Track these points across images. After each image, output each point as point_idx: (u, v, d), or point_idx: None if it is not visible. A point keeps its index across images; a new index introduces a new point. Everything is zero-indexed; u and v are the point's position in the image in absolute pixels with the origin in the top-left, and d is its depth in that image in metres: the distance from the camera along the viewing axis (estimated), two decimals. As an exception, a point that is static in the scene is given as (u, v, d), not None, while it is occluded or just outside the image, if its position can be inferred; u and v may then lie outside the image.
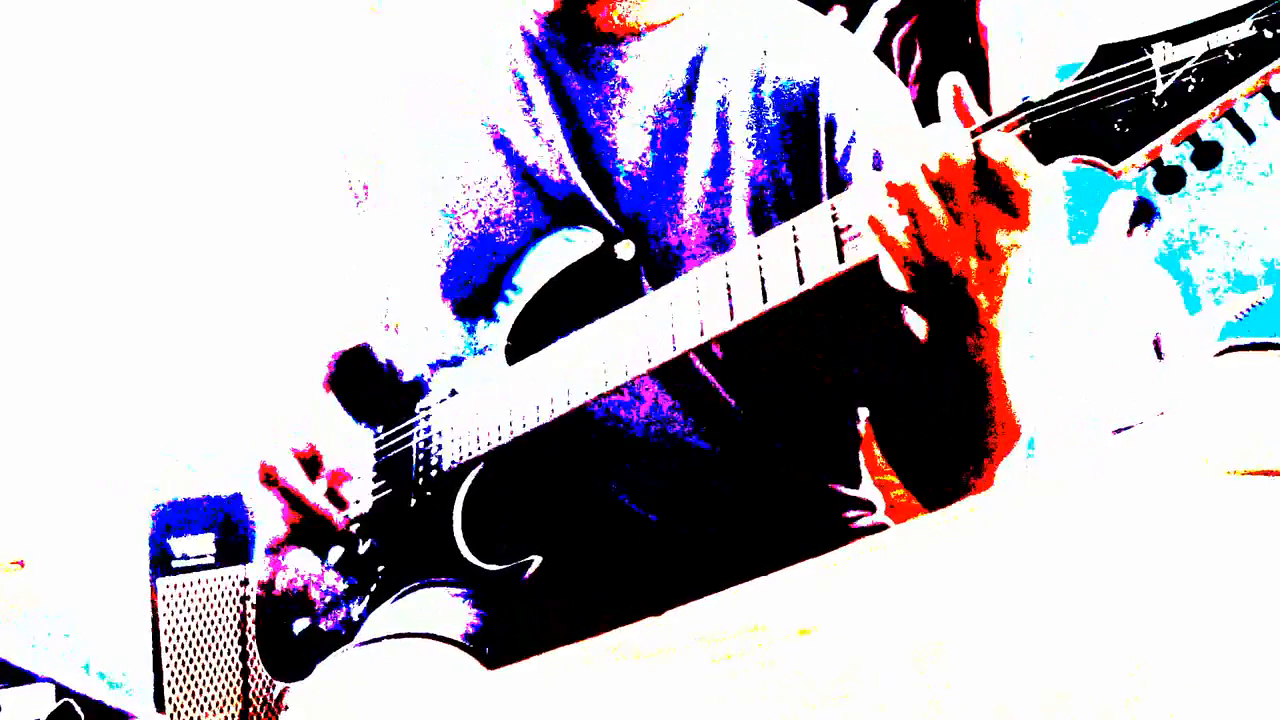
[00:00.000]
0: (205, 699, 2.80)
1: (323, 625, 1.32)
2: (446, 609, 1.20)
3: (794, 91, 1.19)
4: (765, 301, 1.04)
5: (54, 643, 2.75)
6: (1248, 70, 0.86)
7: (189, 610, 2.80)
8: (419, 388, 1.29)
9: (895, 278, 0.99)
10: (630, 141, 1.20)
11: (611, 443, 1.19)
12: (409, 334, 1.32)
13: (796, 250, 1.02)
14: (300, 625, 1.34)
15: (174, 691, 2.78)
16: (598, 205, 1.19)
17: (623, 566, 1.19)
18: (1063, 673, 0.58)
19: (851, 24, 3.43)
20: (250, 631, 2.79)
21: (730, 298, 1.05)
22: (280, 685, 1.36)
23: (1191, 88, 0.88)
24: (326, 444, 1.27)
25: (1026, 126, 0.94)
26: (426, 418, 1.27)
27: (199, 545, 2.82)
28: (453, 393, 1.24)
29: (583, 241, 1.18)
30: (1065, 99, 0.92)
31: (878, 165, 1.17)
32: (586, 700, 0.65)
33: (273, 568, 1.39)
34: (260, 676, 2.83)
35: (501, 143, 1.23)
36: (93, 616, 2.84)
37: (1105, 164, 0.91)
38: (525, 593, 1.19)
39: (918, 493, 1.20)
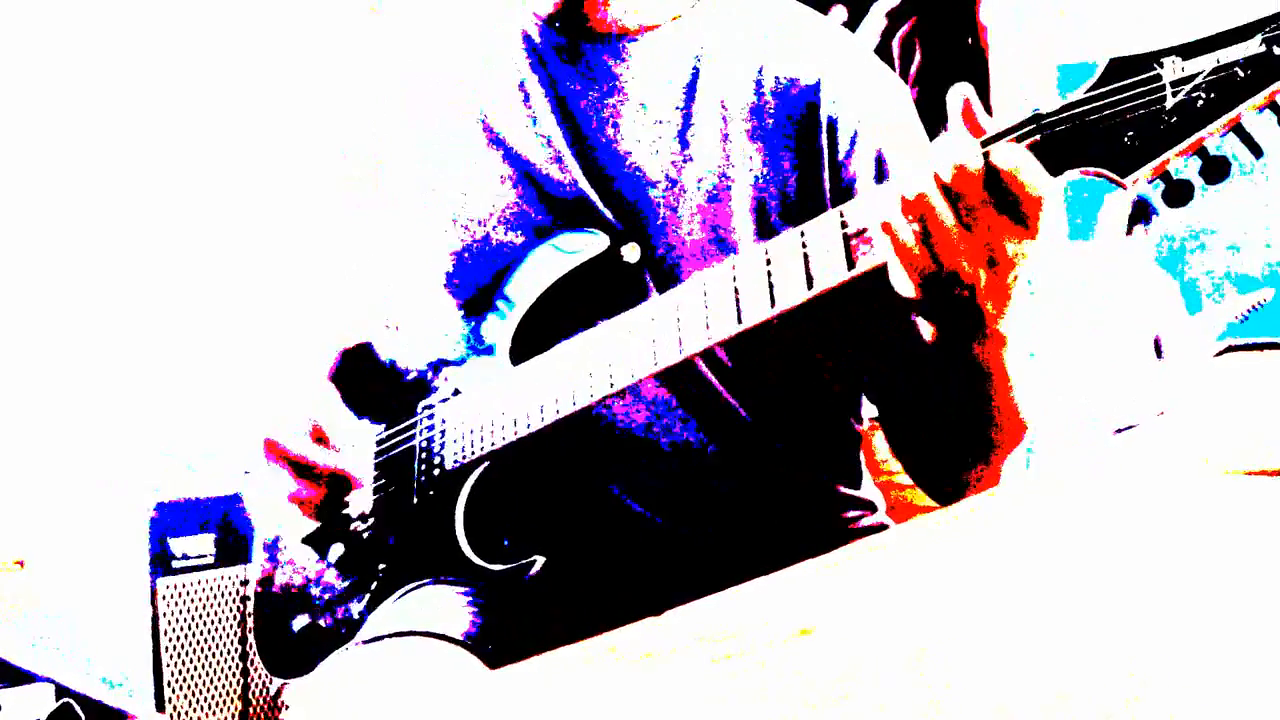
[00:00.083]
0: (205, 699, 2.80)
1: (322, 622, 1.32)
2: (448, 608, 1.20)
3: (795, 92, 1.19)
4: (773, 306, 1.04)
5: (54, 643, 2.75)
6: (1257, 86, 0.87)
7: (189, 610, 2.80)
8: (422, 387, 1.30)
9: (904, 285, 1.00)
10: (631, 142, 1.20)
11: (613, 443, 1.19)
12: (411, 333, 1.32)
13: (805, 256, 1.03)
14: (300, 622, 1.34)
15: (174, 691, 2.77)
16: (600, 206, 1.19)
17: (623, 566, 1.20)
18: (1063, 673, 0.58)
19: (852, 24, 3.43)
20: (249, 629, 2.79)
21: (738, 303, 1.05)
22: (278, 682, 1.36)
23: (1201, 102, 0.89)
24: (329, 425, 1.27)
25: (1036, 138, 0.94)
26: (429, 417, 1.27)
27: (199, 545, 2.82)
28: (456, 392, 1.24)
29: (588, 243, 1.18)
30: (1075, 111, 0.93)
31: (880, 165, 1.17)
32: (586, 700, 0.65)
33: (271, 564, 1.39)
34: (260, 676, 2.83)
35: (501, 143, 1.23)
36: (93, 616, 2.84)
37: (1115, 176, 0.92)
38: (526, 592, 1.19)
39: (926, 488, 1.20)
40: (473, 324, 1.23)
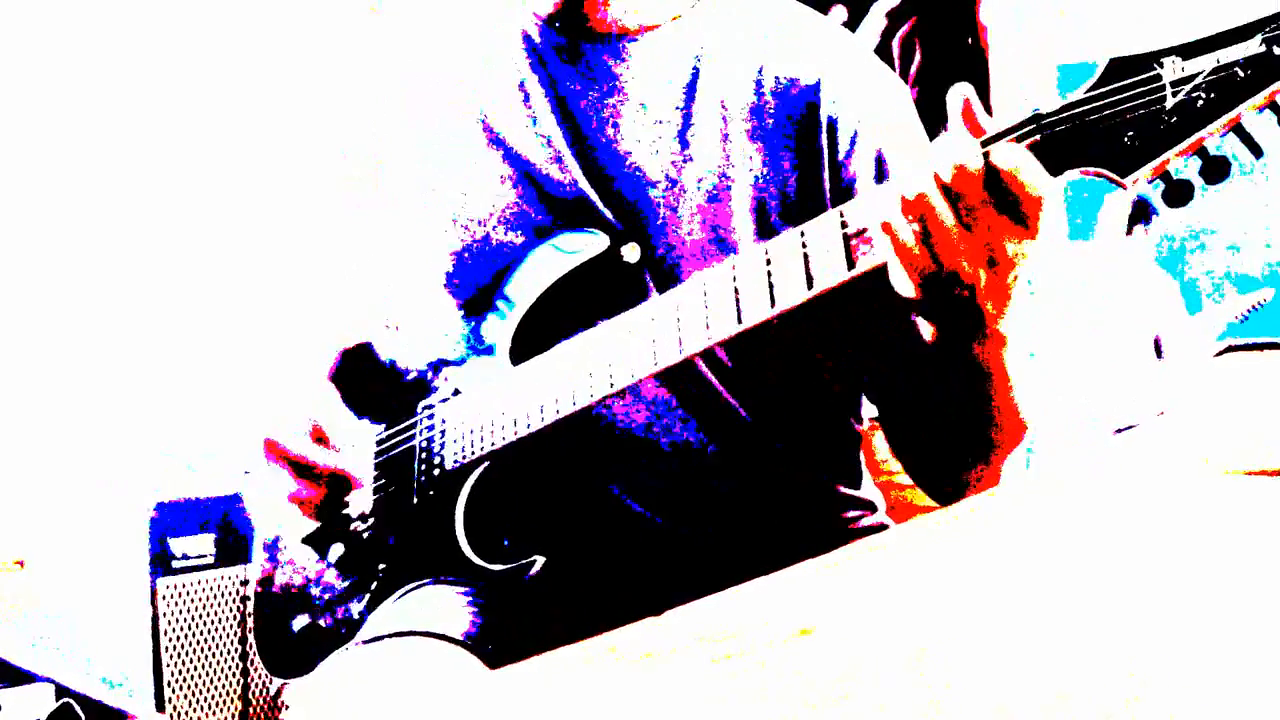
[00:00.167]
0: (205, 699, 2.80)
1: (322, 622, 1.32)
2: (448, 608, 1.20)
3: (795, 92, 1.19)
4: (773, 306, 1.04)
5: (54, 643, 2.75)
6: (1257, 86, 0.87)
7: (189, 610, 2.80)
8: (422, 387, 1.30)
9: (904, 285, 1.00)
10: (631, 142, 1.20)
11: (613, 443, 1.19)
12: (411, 333, 1.32)
13: (805, 256, 1.03)
14: (300, 622, 1.34)
15: (174, 691, 2.77)
16: (600, 206, 1.19)
17: (623, 566, 1.20)
18: (1063, 673, 0.58)
19: (852, 24, 3.43)
20: (249, 629, 2.79)
21: (738, 303, 1.05)
22: (278, 682, 1.36)
23: (1201, 103, 0.89)
24: (328, 425, 1.27)
25: (1036, 138, 0.94)
26: (429, 417, 1.27)
27: (199, 545, 2.82)
28: (456, 392, 1.24)
29: (588, 243, 1.18)
30: (1075, 111, 0.93)
31: (880, 165, 1.17)
32: (586, 700, 0.65)
33: (271, 564, 1.39)
34: (260, 676, 2.83)
35: (501, 143, 1.23)
36: (93, 616, 2.84)
37: (1115, 176, 0.92)
38: (526, 592, 1.19)
39: (926, 488, 1.20)
40: (473, 324, 1.23)
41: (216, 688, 2.82)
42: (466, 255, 1.23)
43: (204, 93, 3.01)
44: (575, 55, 1.23)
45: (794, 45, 1.22)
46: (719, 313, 1.06)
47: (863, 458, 1.32)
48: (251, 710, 2.83)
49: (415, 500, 1.26)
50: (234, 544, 2.86)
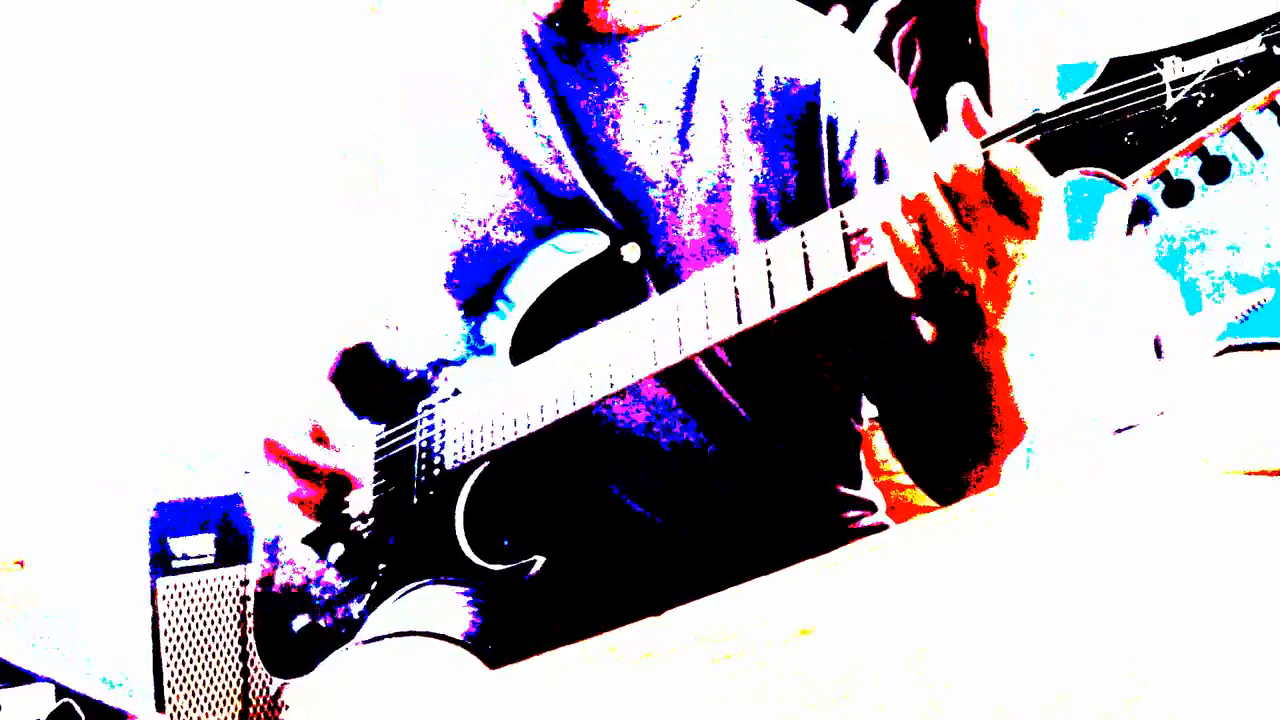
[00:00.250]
0: (205, 699, 2.80)
1: (322, 622, 1.32)
2: (448, 608, 1.20)
3: (795, 92, 1.19)
4: (774, 306, 1.04)
5: (54, 643, 2.75)
6: (1257, 86, 0.87)
7: (189, 610, 2.80)
8: (422, 387, 1.30)
9: (904, 285, 1.00)
10: (631, 142, 1.20)
11: (613, 443, 1.19)
12: (411, 333, 1.32)
13: (805, 256, 1.03)
14: (299, 622, 1.34)
15: (174, 691, 2.77)
16: (600, 205, 1.19)
17: (623, 566, 1.20)
18: (1063, 673, 0.58)
19: (851, 24, 3.43)
20: (249, 629, 2.79)
21: (738, 303, 1.05)
22: (279, 682, 1.36)
23: (1201, 102, 0.88)
24: (328, 425, 1.27)
25: (1036, 138, 0.94)
26: (429, 417, 1.27)
27: (199, 545, 2.82)
28: (456, 392, 1.24)
29: (588, 243, 1.18)
30: (1075, 111, 0.93)
31: (880, 165, 1.17)
32: (586, 700, 0.65)
33: (271, 564, 1.39)
34: (260, 676, 2.83)
35: (501, 143, 1.23)
36: (93, 616, 2.84)
37: (1115, 176, 0.92)
38: (526, 592, 1.19)
39: (927, 488, 1.20)
40: (473, 324, 1.23)
41: (216, 688, 2.82)
42: (466, 255, 1.23)
43: (204, 93, 3.01)
44: (575, 55, 1.23)
45: (794, 45, 1.22)
46: (719, 313, 1.06)
47: (863, 458, 1.32)
48: (251, 710, 2.82)
49: (415, 500, 1.26)
50: (234, 544, 2.86)
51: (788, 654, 0.64)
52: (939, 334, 1.05)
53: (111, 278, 2.94)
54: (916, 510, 1.05)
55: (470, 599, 1.22)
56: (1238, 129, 0.89)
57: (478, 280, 1.23)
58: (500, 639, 1.18)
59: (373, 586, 1.29)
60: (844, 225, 1.01)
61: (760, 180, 1.18)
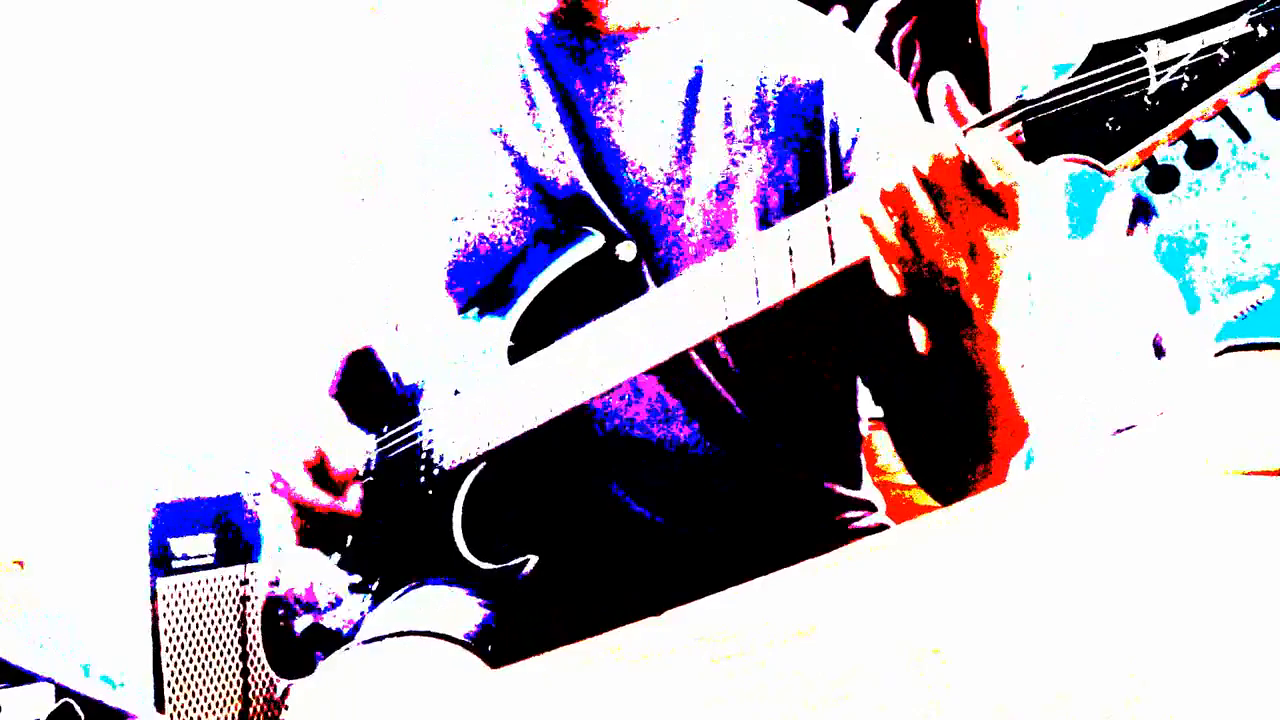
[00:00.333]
0: (205, 699, 2.80)
1: (324, 623, 1.32)
2: (449, 608, 1.20)
3: (797, 92, 1.19)
4: (759, 301, 1.04)
5: (54, 643, 2.75)
6: (1243, 68, 0.86)
7: (189, 610, 2.80)
8: (421, 389, 1.30)
9: (889, 282, 0.99)
10: (634, 142, 1.20)
11: (612, 443, 1.19)
12: (411, 334, 1.32)
13: (790, 250, 1.02)
14: (303, 623, 1.34)
15: (174, 691, 2.77)
16: (601, 205, 1.19)
17: (623, 566, 1.20)
18: (1063, 673, 0.58)
19: (852, 24, 3.43)
20: (251, 631, 2.79)
21: (725, 299, 1.05)
22: (284, 683, 1.36)
23: (1185, 86, 0.87)
24: (330, 443, 1.27)
25: (1019, 126, 0.93)
26: (429, 417, 1.27)
27: (199, 545, 2.82)
28: (455, 392, 1.24)
29: (588, 243, 1.18)
30: (1058, 97, 0.92)
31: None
32: (586, 700, 0.65)
33: (278, 567, 1.39)
34: (260, 676, 2.83)
35: (503, 142, 1.23)
36: (93, 616, 2.83)
37: (1098, 163, 0.91)
38: (526, 592, 1.19)
39: (928, 488, 1.20)
40: (471, 324, 1.23)
41: (216, 688, 2.82)
42: (466, 255, 1.23)
43: (204, 93, 3.01)
44: (579, 54, 1.23)
45: (796, 45, 1.21)
46: (708, 308, 1.06)
47: (863, 458, 1.32)
48: (251, 710, 2.82)
49: (415, 500, 1.26)
50: (234, 544, 2.86)
51: (788, 654, 0.64)
52: (929, 332, 1.05)
53: (111, 278, 2.94)
54: (916, 510, 1.05)
55: (471, 599, 1.22)
56: (1225, 113, 0.87)
57: (477, 280, 1.23)
58: (501, 639, 1.18)
59: (373, 587, 1.29)
60: (828, 218, 1.01)
61: (763, 180, 1.18)
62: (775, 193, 1.18)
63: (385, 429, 1.32)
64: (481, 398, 1.21)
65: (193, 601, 2.82)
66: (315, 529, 1.28)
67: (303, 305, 1.46)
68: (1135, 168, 0.90)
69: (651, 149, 1.19)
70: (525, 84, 1.24)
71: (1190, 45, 0.87)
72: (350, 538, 1.31)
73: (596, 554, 1.21)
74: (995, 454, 1.13)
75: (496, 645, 1.16)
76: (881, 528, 1.28)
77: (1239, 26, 0.85)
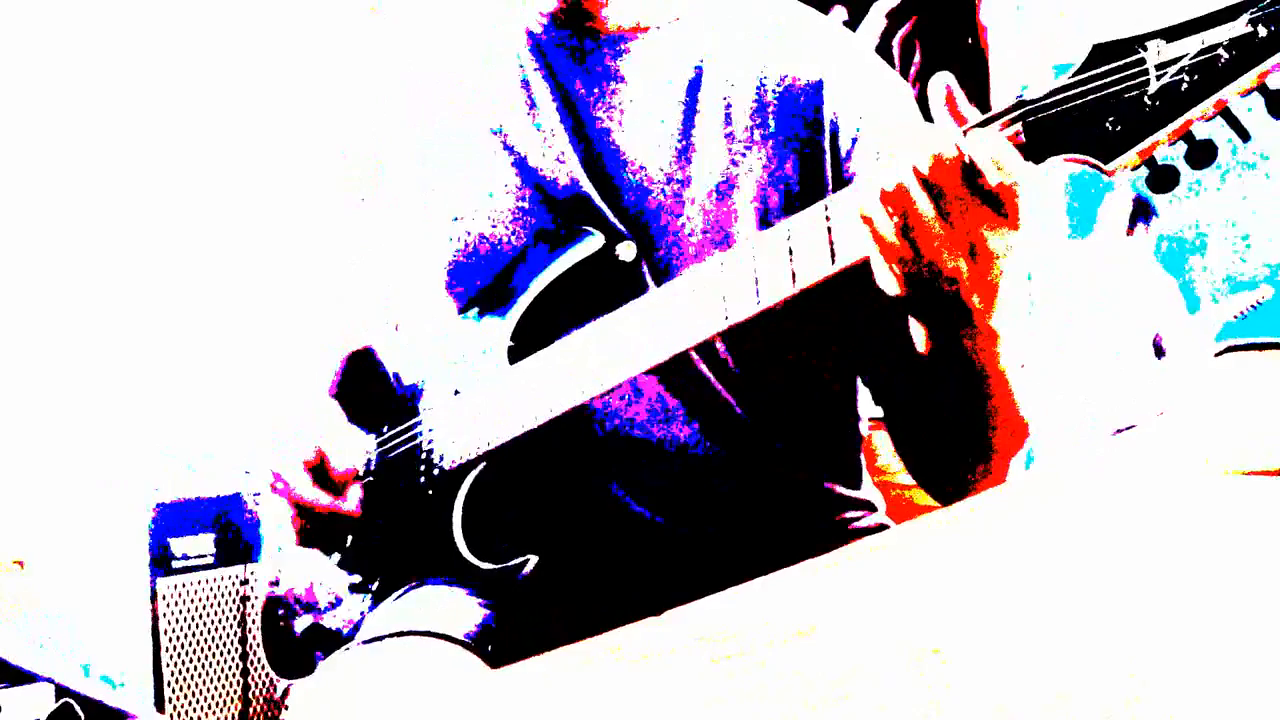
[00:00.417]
0: (205, 699, 2.80)
1: (324, 623, 1.32)
2: (448, 608, 1.20)
3: (797, 92, 1.19)
4: (759, 301, 1.04)
5: (54, 643, 2.75)
6: (1243, 68, 0.85)
7: (189, 610, 2.80)
8: (421, 389, 1.30)
9: (889, 283, 0.99)
10: (634, 142, 1.20)
11: (612, 443, 1.19)
12: (411, 334, 1.32)
13: (790, 250, 1.02)
14: (303, 623, 1.34)
15: (174, 691, 2.77)
16: (601, 205, 1.19)
17: (623, 566, 1.20)
18: (1063, 673, 0.58)
19: (852, 24, 3.43)
20: (251, 631, 2.79)
21: (724, 298, 1.05)
22: (284, 683, 1.36)
23: (1185, 86, 0.87)
24: (330, 444, 1.27)
25: (1019, 126, 0.93)
26: (429, 417, 1.27)
27: (199, 545, 2.82)
28: (455, 392, 1.24)
29: (588, 243, 1.18)
30: (1058, 97, 0.92)
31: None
32: (587, 700, 0.65)
33: (278, 567, 1.39)
34: (260, 676, 2.83)
35: (503, 142, 1.23)
36: (93, 616, 2.83)
37: (1098, 163, 0.91)
38: (526, 592, 1.19)
39: (928, 488, 1.20)
40: (471, 324, 1.23)
41: (216, 688, 2.82)
42: (466, 255, 1.23)
43: (204, 93, 3.01)
44: (579, 54, 1.23)
45: (796, 45, 1.21)
46: (707, 308, 1.06)
47: (863, 458, 1.32)
48: (251, 710, 2.83)
49: (415, 500, 1.26)
50: (234, 544, 2.86)
51: (788, 654, 0.64)
52: (929, 332, 1.05)
53: (111, 278, 2.94)
54: (917, 510, 1.05)
55: (471, 599, 1.22)
56: (1225, 113, 0.87)
57: (477, 280, 1.23)
58: (501, 639, 1.18)
59: (373, 587, 1.29)
60: (828, 218, 1.01)
61: (763, 180, 1.18)
62: (775, 193, 1.18)
63: (385, 429, 1.32)
64: (481, 398, 1.21)
65: (193, 601, 2.82)
66: (315, 529, 1.28)
67: (303, 305, 1.46)
68: (1135, 168, 0.90)
69: (651, 149, 1.19)
70: (525, 84, 1.24)
71: (1190, 45, 0.87)
72: (350, 538, 1.31)
73: (596, 554, 1.21)
74: (995, 454, 1.13)
75: (496, 645, 1.16)
76: (881, 528, 1.28)
77: (1239, 26, 0.85)
